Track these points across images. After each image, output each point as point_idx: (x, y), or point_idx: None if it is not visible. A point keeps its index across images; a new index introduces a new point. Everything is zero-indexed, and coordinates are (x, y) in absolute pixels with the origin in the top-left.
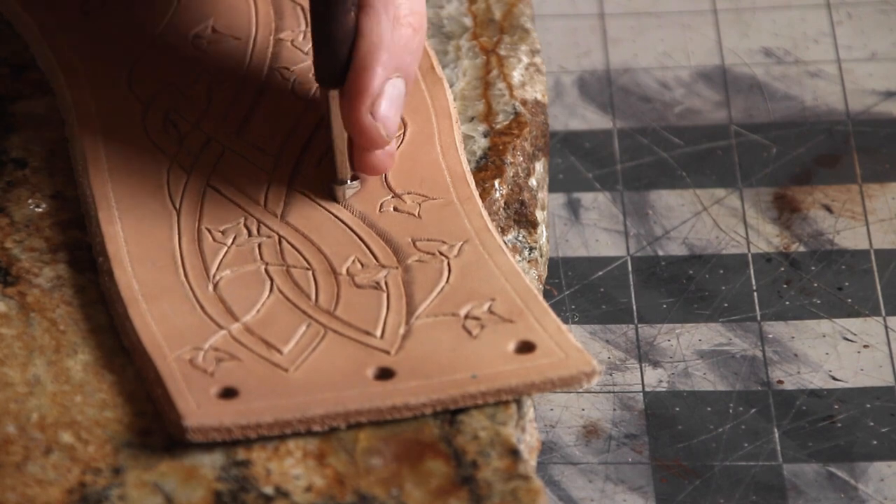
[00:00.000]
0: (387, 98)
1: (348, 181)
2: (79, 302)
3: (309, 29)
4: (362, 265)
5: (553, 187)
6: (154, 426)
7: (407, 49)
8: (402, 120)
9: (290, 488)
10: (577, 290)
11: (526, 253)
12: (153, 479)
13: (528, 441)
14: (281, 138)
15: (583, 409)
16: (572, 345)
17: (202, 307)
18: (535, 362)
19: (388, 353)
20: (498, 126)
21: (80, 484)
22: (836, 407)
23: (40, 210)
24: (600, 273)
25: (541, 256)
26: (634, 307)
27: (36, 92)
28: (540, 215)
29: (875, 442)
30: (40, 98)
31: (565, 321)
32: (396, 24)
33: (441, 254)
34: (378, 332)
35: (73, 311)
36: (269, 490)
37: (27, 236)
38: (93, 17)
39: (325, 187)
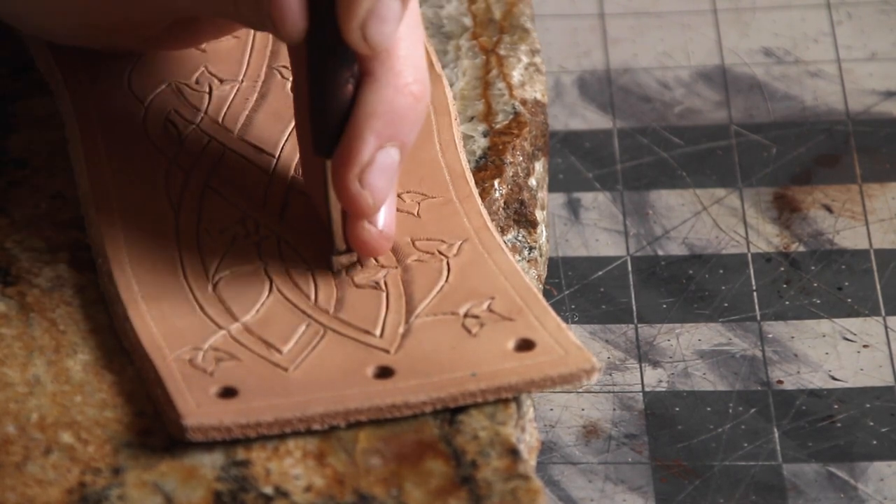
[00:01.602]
0: (377, 166)
1: (344, 252)
2: (79, 302)
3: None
4: (361, 265)
5: (553, 187)
6: (154, 426)
7: (405, 118)
8: None
9: (289, 488)
10: (577, 289)
11: (525, 253)
12: (153, 479)
13: (528, 441)
14: (280, 137)
15: (583, 409)
16: (572, 342)
17: (201, 307)
18: (534, 360)
19: (387, 352)
20: (497, 126)
21: (80, 484)
22: (836, 407)
23: (40, 210)
24: (600, 273)
25: (540, 256)
26: (634, 307)
27: (36, 92)
28: (540, 215)
29: (875, 442)
30: (40, 98)
31: (565, 321)
32: (398, 93)
33: (440, 253)
34: (377, 332)
35: (73, 311)
36: (268, 490)
37: (27, 236)
38: None
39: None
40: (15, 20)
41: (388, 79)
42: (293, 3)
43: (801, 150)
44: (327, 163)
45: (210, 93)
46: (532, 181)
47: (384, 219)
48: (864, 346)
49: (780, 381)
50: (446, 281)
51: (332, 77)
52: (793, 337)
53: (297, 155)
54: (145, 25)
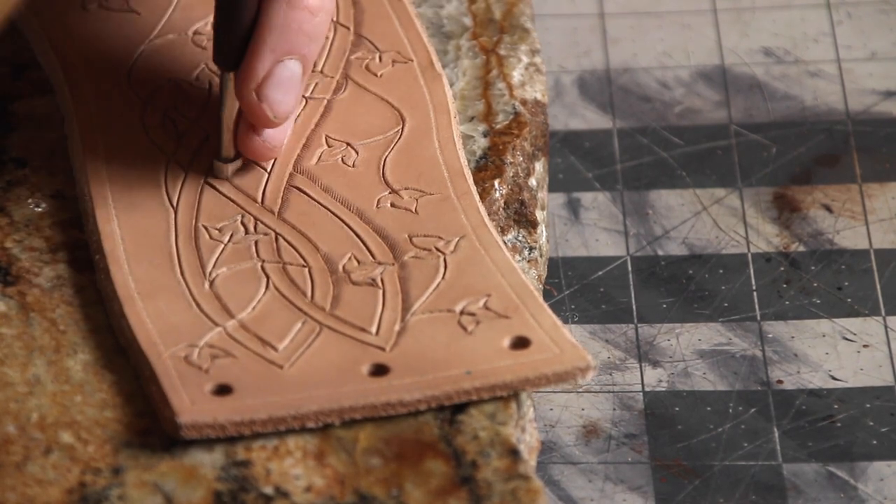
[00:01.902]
0: (275, 79)
1: (232, 159)
2: (79, 302)
3: None
4: (359, 262)
5: (553, 187)
6: (154, 426)
7: (302, 31)
8: (401, 115)
9: (289, 488)
10: (577, 289)
11: (526, 253)
12: (153, 479)
13: (528, 441)
14: None
15: (582, 409)
16: (567, 340)
17: (198, 304)
18: (529, 358)
19: (383, 349)
20: (498, 126)
21: (80, 484)
22: (836, 407)
23: (40, 210)
24: (600, 273)
25: (540, 256)
26: (634, 307)
27: (36, 92)
28: (540, 215)
29: (875, 442)
30: (40, 98)
31: (565, 321)
32: (291, 7)
33: (437, 250)
34: (373, 329)
35: (73, 311)
36: (268, 490)
37: (27, 236)
38: (93, 12)
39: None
40: None
41: None
42: None
43: (801, 150)
44: (228, 74)
45: (209, 90)
46: (532, 181)
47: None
48: (864, 346)
49: (780, 381)
50: (443, 278)
51: None
52: (793, 337)
53: (296, 152)
54: None
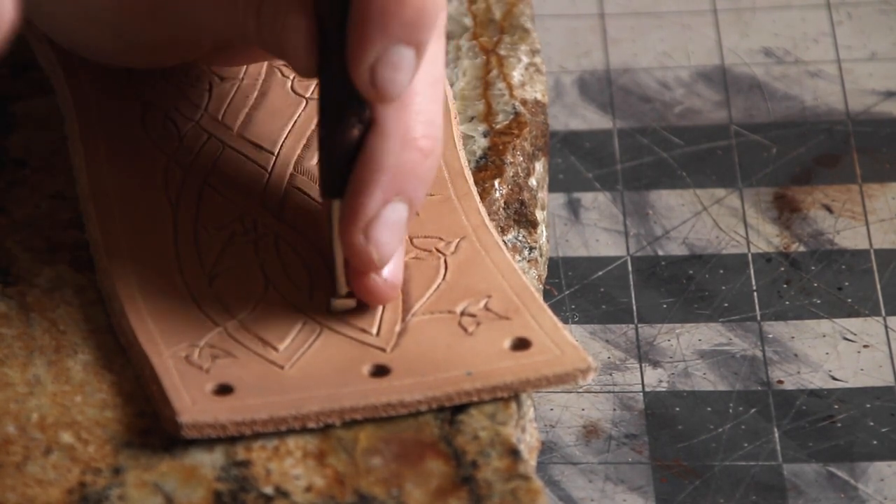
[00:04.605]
0: (383, 222)
1: (344, 297)
2: (79, 302)
3: None
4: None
5: (553, 187)
6: (154, 426)
7: (413, 173)
8: None
9: (290, 488)
10: (577, 289)
11: (526, 253)
12: (153, 479)
13: (528, 441)
14: (280, 135)
15: (583, 409)
16: (568, 342)
17: (198, 304)
18: (530, 359)
19: (383, 350)
20: (498, 126)
21: (80, 484)
22: (836, 407)
23: (40, 210)
24: (600, 273)
25: (541, 256)
26: (634, 307)
27: (36, 92)
28: (540, 215)
29: (875, 442)
30: (40, 98)
31: (565, 321)
32: (405, 147)
33: (438, 251)
34: (374, 330)
35: (73, 311)
36: (269, 490)
37: (27, 236)
38: None
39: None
40: (55, 34)
41: (397, 131)
42: (301, 38)
43: (801, 150)
44: (333, 203)
45: (210, 90)
46: (532, 181)
47: (390, 267)
48: (865, 346)
49: (781, 381)
50: (443, 279)
51: (337, 116)
52: (793, 337)
53: (297, 153)
54: (186, 47)
